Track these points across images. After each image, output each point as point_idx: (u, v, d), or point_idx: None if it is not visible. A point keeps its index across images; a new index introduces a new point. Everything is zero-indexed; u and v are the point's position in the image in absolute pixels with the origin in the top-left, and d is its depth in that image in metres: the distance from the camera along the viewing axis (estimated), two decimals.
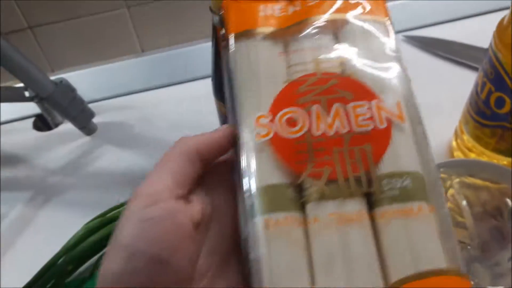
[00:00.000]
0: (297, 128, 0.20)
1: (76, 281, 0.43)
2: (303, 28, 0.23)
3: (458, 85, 0.52)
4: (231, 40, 0.23)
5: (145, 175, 0.22)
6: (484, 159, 0.42)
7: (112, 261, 0.19)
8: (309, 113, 0.20)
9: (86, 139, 0.57)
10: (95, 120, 0.57)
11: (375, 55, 0.22)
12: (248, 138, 0.21)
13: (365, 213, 0.19)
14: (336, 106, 0.21)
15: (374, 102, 0.21)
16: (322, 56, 0.22)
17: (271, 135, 0.20)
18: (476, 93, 0.40)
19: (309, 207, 0.19)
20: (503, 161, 0.42)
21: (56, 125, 0.58)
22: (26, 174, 0.54)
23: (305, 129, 0.20)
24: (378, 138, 0.20)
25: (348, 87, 0.21)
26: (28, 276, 0.41)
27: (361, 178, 0.19)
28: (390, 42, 0.23)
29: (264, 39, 0.23)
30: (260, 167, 0.20)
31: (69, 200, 0.51)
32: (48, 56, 0.65)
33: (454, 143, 0.47)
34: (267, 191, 0.20)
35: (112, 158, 0.54)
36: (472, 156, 0.44)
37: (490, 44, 0.37)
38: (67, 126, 0.57)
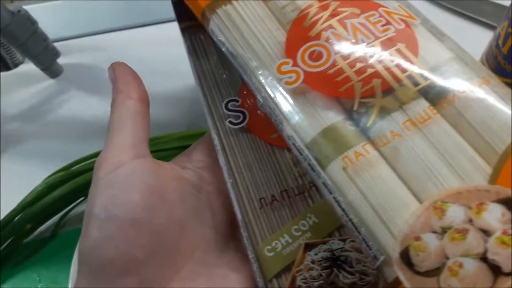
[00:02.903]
0: (324, 58, 0.20)
1: (35, 242, 0.39)
2: None
3: (467, 40, 0.50)
4: (207, 15, 0.23)
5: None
6: None
7: (87, 234, 0.19)
8: (327, 40, 0.20)
9: (49, 82, 0.53)
10: (60, 60, 0.53)
11: None
12: (276, 92, 0.20)
13: (432, 108, 0.18)
14: (349, 22, 0.20)
15: (381, 9, 0.21)
16: None
17: (301, 76, 0.20)
18: (496, 47, 0.36)
19: (378, 127, 0.18)
20: None
21: (16, 65, 0.53)
22: None
23: (333, 54, 0.20)
24: (405, 37, 0.20)
25: (350, 5, 0.21)
26: None
27: (413, 75, 0.18)
28: None
29: None
30: (306, 114, 0.19)
31: (29, 151, 0.47)
32: None
33: None
34: (326, 134, 0.19)
35: (78, 104, 0.51)
36: None
37: None
38: (28, 67, 0.53)
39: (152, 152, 0.41)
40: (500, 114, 0.17)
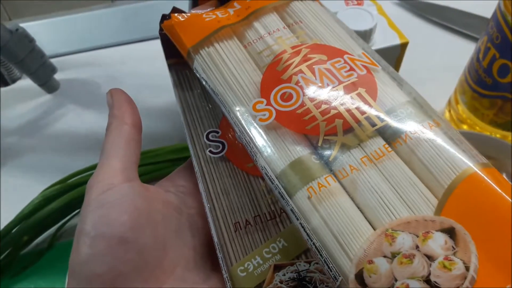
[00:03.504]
0: (294, 99, 0.22)
1: (32, 253, 0.40)
2: (252, 20, 0.26)
3: (452, 53, 0.53)
4: (192, 55, 0.25)
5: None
6: (476, 131, 0.41)
7: (77, 250, 0.20)
8: (297, 83, 0.22)
9: (47, 97, 0.54)
10: (57, 76, 0.53)
11: (321, 23, 0.26)
12: (251, 127, 0.22)
13: (388, 146, 0.20)
14: (317, 68, 0.22)
15: (346, 56, 0.23)
16: (281, 36, 0.25)
17: (274, 115, 0.22)
18: (477, 60, 0.37)
19: (339, 162, 0.20)
20: (496, 134, 0.40)
21: (14, 80, 0.53)
22: None
23: (301, 96, 0.21)
24: (366, 82, 0.22)
25: (319, 51, 0.23)
26: None
27: (370, 117, 0.20)
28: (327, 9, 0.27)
29: (221, 41, 0.25)
30: (277, 148, 0.21)
31: (26, 164, 0.47)
32: (5, 2, 0.60)
33: (446, 114, 0.45)
34: (294, 166, 0.20)
35: (75, 119, 0.51)
36: (464, 128, 0.42)
37: (498, 5, 0.34)
38: (26, 82, 0.53)
39: (146, 164, 0.43)
40: (446, 152, 0.19)
